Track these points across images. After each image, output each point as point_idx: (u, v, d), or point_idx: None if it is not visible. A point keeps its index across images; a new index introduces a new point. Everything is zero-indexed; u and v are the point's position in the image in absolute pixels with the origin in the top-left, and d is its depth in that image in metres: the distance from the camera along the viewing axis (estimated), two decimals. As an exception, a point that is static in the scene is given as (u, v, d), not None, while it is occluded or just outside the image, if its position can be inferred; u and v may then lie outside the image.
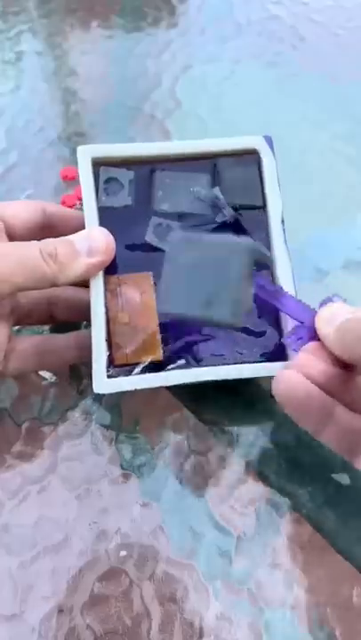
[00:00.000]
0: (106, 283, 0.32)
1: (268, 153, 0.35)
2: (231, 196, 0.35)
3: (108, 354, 0.31)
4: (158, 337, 0.32)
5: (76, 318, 0.36)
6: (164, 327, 0.32)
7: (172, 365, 0.32)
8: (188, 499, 0.33)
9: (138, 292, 0.33)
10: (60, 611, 0.30)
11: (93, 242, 0.31)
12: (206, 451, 0.35)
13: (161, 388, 0.36)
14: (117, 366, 0.31)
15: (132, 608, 0.30)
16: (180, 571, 0.31)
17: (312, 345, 0.28)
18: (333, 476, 0.34)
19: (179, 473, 0.34)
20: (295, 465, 0.35)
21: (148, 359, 0.31)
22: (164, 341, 0.32)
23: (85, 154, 0.35)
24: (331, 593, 0.31)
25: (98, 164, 0.35)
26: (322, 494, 0.34)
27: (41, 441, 0.35)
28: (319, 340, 0.28)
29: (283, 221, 0.34)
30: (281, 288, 0.32)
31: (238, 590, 0.31)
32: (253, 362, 0.32)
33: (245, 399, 0.37)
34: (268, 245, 0.34)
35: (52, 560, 0.32)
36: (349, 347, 0.26)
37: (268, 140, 0.35)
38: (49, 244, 0.31)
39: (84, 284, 0.32)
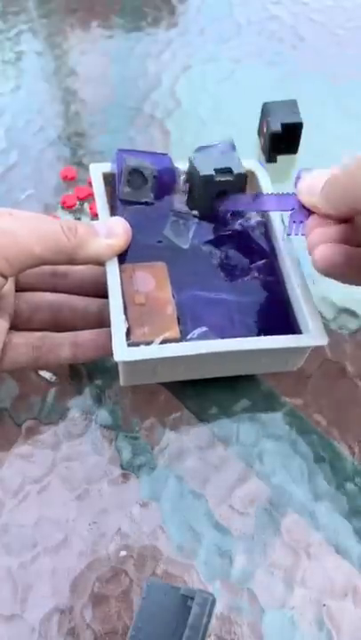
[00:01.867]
0: (121, 270, 0.33)
1: (263, 174, 0.38)
2: None
3: (127, 326, 0.31)
4: (175, 319, 0.32)
5: (80, 326, 0.36)
6: (180, 308, 0.33)
7: (191, 335, 0.32)
8: (188, 499, 0.33)
9: (153, 278, 0.33)
10: (60, 611, 0.30)
11: (111, 227, 0.33)
12: (206, 451, 0.35)
13: (161, 388, 0.36)
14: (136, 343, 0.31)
15: (132, 608, 0.30)
16: (180, 571, 0.31)
17: (311, 220, 0.30)
18: (333, 476, 0.34)
19: (179, 473, 0.34)
20: (295, 465, 0.35)
21: (166, 335, 0.31)
22: (182, 322, 0.33)
23: (97, 170, 0.36)
24: (331, 593, 0.31)
25: (108, 179, 0.36)
26: (322, 494, 0.34)
27: (41, 441, 0.35)
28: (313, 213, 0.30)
29: (283, 221, 0.35)
30: (254, 193, 0.34)
31: (238, 590, 0.31)
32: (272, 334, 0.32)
33: (246, 399, 0.37)
34: (271, 241, 0.36)
35: (52, 560, 0.32)
36: (339, 202, 0.28)
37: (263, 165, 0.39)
38: (70, 221, 0.32)
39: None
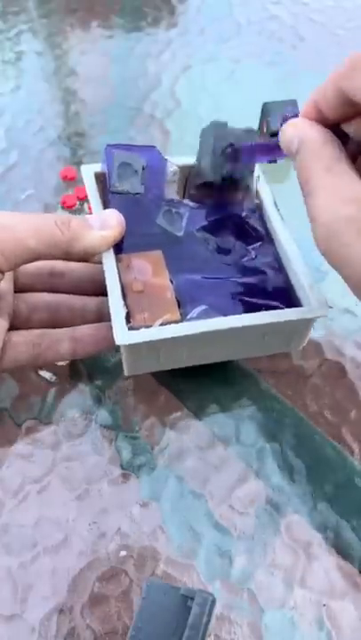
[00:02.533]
0: (118, 260, 0.33)
1: (262, 180, 0.38)
2: None
3: (126, 311, 0.31)
4: (175, 302, 0.32)
5: (78, 325, 0.36)
6: (178, 293, 0.33)
7: (191, 314, 0.32)
8: (188, 499, 0.33)
9: (150, 266, 0.34)
10: (60, 611, 0.30)
11: (105, 219, 0.33)
12: (206, 451, 0.35)
13: (161, 388, 0.36)
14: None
15: (132, 608, 0.30)
16: (180, 571, 0.31)
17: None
18: (333, 476, 0.34)
19: (179, 473, 0.34)
20: (295, 465, 0.35)
21: (166, 317, 0.32)
22: (181, 306, 0.33)
23: (89, 171, 0.37)
24: (331, 593, 0.31)
25: (100, 179, 0.37)
26: (322, 494, 0.34)
27: (41, 441, 0.35)
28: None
29: (275, 204, 0.37)
30: (242, 145, 0.35)
31: (238, 590, 0.31)
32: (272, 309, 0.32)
33: (246, 399, 0.37)
34: (265, 225, 0.37)
35: (52, 560, 0.32)
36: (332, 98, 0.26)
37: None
38: (63, 215, 0.32)
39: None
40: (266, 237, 0.37)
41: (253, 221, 0.37)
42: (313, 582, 0.31)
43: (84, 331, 0.35)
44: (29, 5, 0.59)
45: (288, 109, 0.31)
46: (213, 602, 0.27)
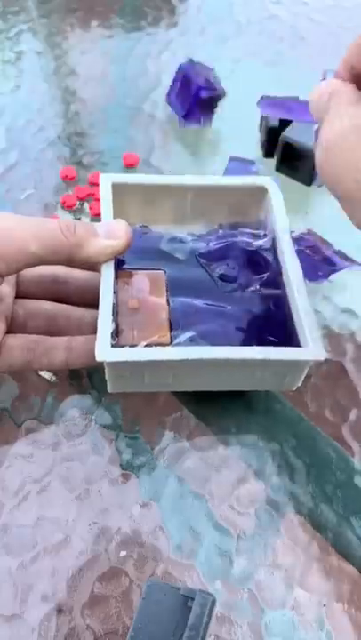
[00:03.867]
0: (118, 276, 0.33)
1: (275, 190, 0.38)
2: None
3: (114, 327, 0.31)
4: (167, 324, 0.32)
5: (74, 335, 0.35)
6: (173, 315, 0.33)
7: (178, 340, 0.31)
8: (188, 499, 0.33)
9: (149, 284, 0.33)
10: (60, 611, 0.30)
11: (112, 228, 0.32)
12: (206, 451, 0.35)
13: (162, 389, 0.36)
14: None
15: (132, 608, 0.30)
16: (180, 571, 0.31)
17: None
18: (333, 476, 0.34)
19: (179, 473, 0.34)
20: (295, 465, 0.35)
21: (155, 338, 0.31)
22: (173, 329, 0.32)
23: (107, 180, 0.37)
24: (331, 593, 0.31)
25: (117, 190, 0.37)
26: (322, 494, 0.34)
27: (41, 441, 0.35)
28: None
29: (290, 231, 0.36)
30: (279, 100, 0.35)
31: (238, 590, 0.31)
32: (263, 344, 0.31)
33: (245, 399, 0.37)
34: (275, 253, 0.36)
35: (52, 560, 0.32)
36: None
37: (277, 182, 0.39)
38: (68, 220, 0.31)
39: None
40: (275, 268, 0.36)
41: (264, 250, 0.36)
42: (313, 582, 0.31)
43: (80, 341, 0.34)
44: (29, 5, 0.59)
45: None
46: (213, 602, 0.27)
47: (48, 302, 0.35)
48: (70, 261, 0.31)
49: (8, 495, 0.33)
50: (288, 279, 0.34)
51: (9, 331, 0.34)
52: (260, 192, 0.38)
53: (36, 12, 0.59)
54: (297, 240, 0.39)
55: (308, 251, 0.39)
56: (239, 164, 0.44)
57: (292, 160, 0.44)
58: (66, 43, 0.56)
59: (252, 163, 0.44)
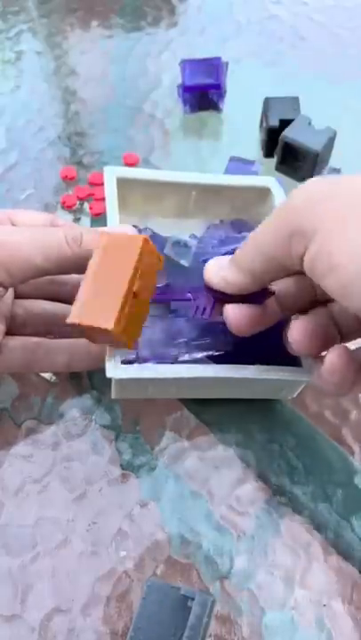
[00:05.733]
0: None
1: (279, 190, 0.38)
2: None
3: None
4: (118, 308, 0.27)
5: (73, 337, 0.35)
6: (176, 326, 0.33)
7: (183, 358, 0.32)
8: (188, 499, 0.33)
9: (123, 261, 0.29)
10: (60, 611, 0.30)
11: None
12: (206, 450, 0.35)
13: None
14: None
15: (132, 608, 0.30)
16: (180, 571, 0.31)
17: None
18: (333, 476, 0.34)
19: (179, 473, 0.34)
20: (295, 465, 0.35)
21: (99, 323, 0.27)
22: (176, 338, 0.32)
23: (111, 173, 0.36)
24: (331, 593, 0.31)
25: (122, 183, 0.37)
26: (322, 494, 0.34)
27: (41, 441, 0.35)
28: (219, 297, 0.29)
29: None
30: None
31: (238, 590, 0.31)
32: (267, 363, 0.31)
33: (245, 399, 0.37)
34: None
35: (52, 560, 0.32)
36: (251, 263, 0.26)
37: (281, 183, 0.39)
38: (75, 228, 0.31)
39: None
40: None
41: None
42: (313, 582, 0.31)
43: (82, 345, 0.34)
44: (29, 5, 0.59)
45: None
46: (213, 602, 0.27)
47: (47, 302, 0.35)
48: (76, 271, 0.31)
49: (8, 495, 0.33)
50: None
51: (8, 331, 0.34)
52: (264, 192, 0.38)
53: (36, 12, 0.59)
54: None
55: None
56: (239, 164, 0.44)
57: (292, 160, 0.44)
58: (66, 43, 0.56)
59: (252, 163, 0.44)
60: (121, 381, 0.32)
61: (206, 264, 0.29)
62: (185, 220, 0.39)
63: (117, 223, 0.35)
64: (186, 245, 0.36)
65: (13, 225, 0.33)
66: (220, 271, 0.28)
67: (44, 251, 0.29)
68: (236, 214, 0.39)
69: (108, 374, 0.30)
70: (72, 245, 0.30)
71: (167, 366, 0.31)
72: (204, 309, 0.30)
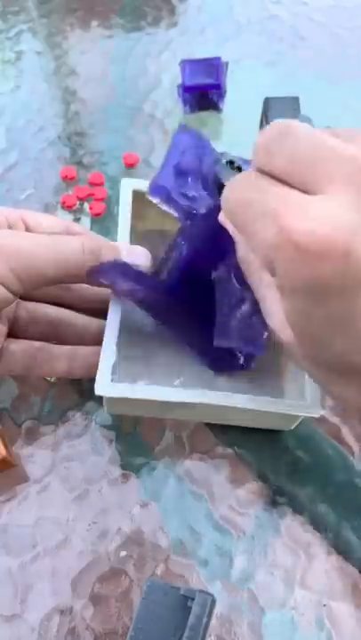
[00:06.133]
0: None
1: None
2: None
3: (115, 359, 0.31)
4: None
5: (76, 343, 0.35)
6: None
7: (177, 382, 0.32)
8: (188, 499, 0.33)
9: None
10: (60, 611, 0.30)
11: (135, 257, 0.32)
12: (206, 451, 0.35)
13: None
14: None
15: (132, 608, 0.30)
16: (180, 571, 0.31)
17: None
18: (333, 476, 0.34)
19: (179, 473, 0.34)
20: (295, 465, 0.35)
21: None
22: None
23: (128, 186, 0.36)
24: (331, 593, 0.31)
25: (137, 196, 0.36)
26: (322, 494, 0.34)
27: (41, 441, 0.35)
28: None
29: None
30: None
31: (238, 590, 0.31)
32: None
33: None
34: None
35: (52, 560, 0.32)
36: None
37: None
38: (93, 240, 0.30)
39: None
40: None
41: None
42: (313, 582, 0.31)
43: (83, 353, 0.34)
44: (29, 5, 0.59)
45: None
46: (213, 602, 0.27)
47: (52, 306, 0.35)
48: (86, 284, 0.31)
49: (8, 495, 0.33)
50: None
51: (11, 334, 0.34)
52: None
53: (36, 12, 0.59)
54: None
55: None
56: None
57: None
58: (66, 43, 0.56)
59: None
60: (113, 400, 0.32)
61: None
62: None
63: (128, 237, 0.34)
64: (239, 168, 0.31)
65: (27, 227, 0.32)
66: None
67: (58, 261, 0.29)
68: None
69: (97, 392, 0.30)
70: (88, 258, 0.29)
71: (158, 388, 0.30)
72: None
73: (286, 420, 0.33)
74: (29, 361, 0.33)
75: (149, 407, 0.33)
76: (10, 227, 0.32)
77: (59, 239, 0.30)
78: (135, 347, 0.34)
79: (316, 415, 0.30)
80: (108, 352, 0.31)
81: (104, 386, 0.30)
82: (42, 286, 0.30)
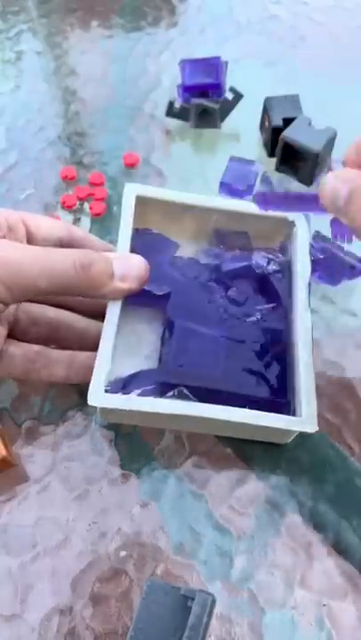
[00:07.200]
0: None
1: (303, 224, 0.36)
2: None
3: (109, 368, 0.31)
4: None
5: (76, 346, 0.35)
6: (169, 336, 0.33)
7: (170, 394, 0.31)
8: (188, 499, 0.33)
9: None
10: (60, 611, 0.30)
11: (130, 269, 0.31)
12: (206, 451, 0.35)
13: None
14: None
15: (132, 608, 0.30)
16: (180, 571, 0.31)
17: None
18: (333, 476, 0.34)
19: (179, 473, 0.34)
20: (295, 465, 0.35)
21: None
22: (166, 352, 0.32)
23: (131, 191, 0.36)
24: (331, 593, 0.31)
25: (140, 201, 0.36)
26: (322, 494, 0.34)
27: (41, 441, 0.35)
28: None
29: (309, 285, 0.35)
30: (280, 193, 0.32)
31: (238, 590, 0.31)
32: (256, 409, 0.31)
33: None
34: (290, 309, 0.35)
35: (52, 560, 0.32)
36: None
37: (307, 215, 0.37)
38: (87, 255, 0.30)
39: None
40: (285, 300, 0.35)
41: (277, 279, 0.35)
42: (313, 582, 0.31)
43: (82, 359, 0.33)
44: (29, 5, 0.59)
45: (331, 164, 0.29)
46: (213, 602, 0.27)
47: (52, 308, 0.35)
48: (80, 295, 0.31)
49: (8, 495, 0.33)
50: (296, 332, 0.33)
51: (11, 335, 0.33)
52: (287, 224, 0.37)
53: (36, 12, 0.59)
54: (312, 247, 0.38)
55: (323, 256, 0.38)
56: (239, 164, 0.44)
57: (293, 160, 0.44)
58: (66, 43, 0.56)
59: (252, 163, 0.44)
60: (107, 410, 0.31)
61: (322, 187, 0.26)
62: (202, 244, 0.38)
63: (128, 243, 0.34)
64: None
65: (27, 230, 0.32)
66: (334, 206, 0.25)
67: (50, 276, 0.29)
68: (257, 243, 0.38)
69: (90, 402, 0.29)
70: (80, 273, 0.29)
71: (152, 400, 0.30)
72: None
73: (282, 434, 0.33)
74: (28, 365, 0.33)
75: (144, 417, 0.33)
76: (9, 229, 0.32)
77: (52, 253, 0.30)
78: (133, 354, 0.34)
79: (311, 431, 0.31)
80: (103, 361, 0.31)
81: (97, 396, 0.30)
82: (34, 297, 0.30)
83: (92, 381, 0.30)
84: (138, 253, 0.33)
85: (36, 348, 0.33)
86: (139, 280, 0.32)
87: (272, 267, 0.35)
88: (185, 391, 0.31)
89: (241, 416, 0.30)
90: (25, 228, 0.32)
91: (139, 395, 0.31)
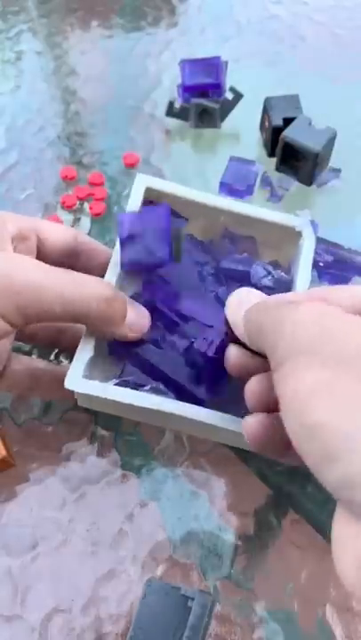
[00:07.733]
0: None
1: (310, 235, 0.36)
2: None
3: (91, 355, 0.30)
4: None
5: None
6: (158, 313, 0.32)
7: (147, 388, 0.30)
8: (188, 499, 0.33)
9: None
10: (60, 611, 0.30)
11: (139, 319, 0.31)
12: (206, 451, 0.35)
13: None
14: None
15: (132, 608, 0.30)
16: (180, 571, 0.31)
17: (232, 348, 0.27)
18: (333, 475, 0.34)
19: (179, 473, 0.34)
20: (295, 465, 0.34)
21: None
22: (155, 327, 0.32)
23: (142, 183, 0.35)
24: (331, 593, 0.31)
25: (149, 192, 0.35)
26: (322, 494, 0.34)
27: (41, 441, 0.35)
28: (234, 340, 0.27)
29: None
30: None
31: (238, 590, 0.31)
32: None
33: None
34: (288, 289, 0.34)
35: (52, 560, 0.32)
36: (251, 338, 0.25)
37: (314, 226, 0.36)
38: (112, 296, 0.29)
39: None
40: None
41: (268, 281, 0.34)
42: (313, 582, 0.31)
43: None
44: (29, 5, 0.59)
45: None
46: (213, 602, 0.27)
47: None
48: (86, 324, 0.30)
49: (8, 495, 0.33)
50: None
51: (20, 339, 0.33)
52: (295, 236, 0.36)
53: (36, 12, 0.59)
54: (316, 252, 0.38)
55: (328, 258, 0.38)
56: (239, 164, 0.44)
57: (293, 160, 0.44)
58: (66, 43, 0.56)
59: (252, 163, 0.44)
60: (85, 395, 0.30)
61: (229, 297, 0.27)
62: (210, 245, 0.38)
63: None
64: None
65: (39, 239, 0.32)
66: (235, 316, 0.26)
67: (67, 304, 0.28)
68: (264, 250, 0.37)
69: (67, 385, 0.29)
70: (101, 307, 0.28)
71: (128, 391, 0.29)
72: (211, 343, 0.29)
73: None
74: (31, 383, 0.33)
75: (120, 408, 0.31)
76: (22, 238, 0.31)
77: (76, 280, 0.29)
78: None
79: None
80: (86, 348, 0.30)
81: (75, 380, 0.29)
82: (45, 322, 0.29)
83: (71, 366, 0.29)
84: (146, 226, 0.31)
85: (41, 365, 0.33)
86: (140, 331, 0.31)
87: (267, 281, 0.35)
88: (161, 387, 0.31)
89: (215, 419, 0.29)
90: (37, 238, 0.32)
91: (116, 384, 0.30)
